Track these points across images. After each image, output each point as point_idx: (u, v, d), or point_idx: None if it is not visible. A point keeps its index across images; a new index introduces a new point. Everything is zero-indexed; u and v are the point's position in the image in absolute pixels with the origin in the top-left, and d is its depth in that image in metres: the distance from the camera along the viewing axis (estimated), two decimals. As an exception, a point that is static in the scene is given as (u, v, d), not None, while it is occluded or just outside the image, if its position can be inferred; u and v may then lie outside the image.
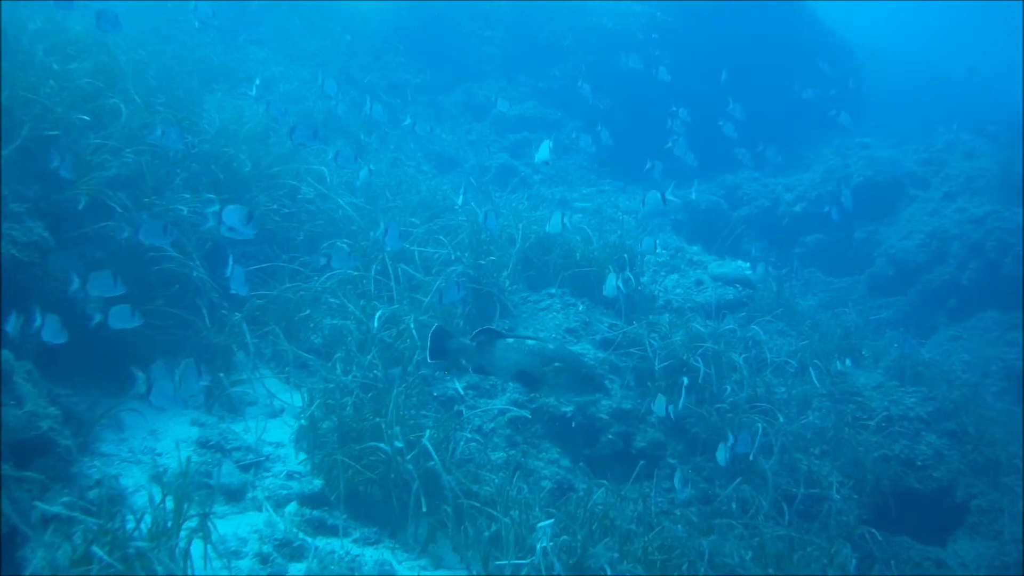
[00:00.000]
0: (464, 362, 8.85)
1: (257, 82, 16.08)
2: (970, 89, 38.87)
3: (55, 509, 7.32)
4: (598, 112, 23.58)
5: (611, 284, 12.78)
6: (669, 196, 13.21)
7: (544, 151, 16.15)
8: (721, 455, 10.97)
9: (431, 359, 8.99)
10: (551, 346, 8.54)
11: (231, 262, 11.05)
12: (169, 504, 7.88)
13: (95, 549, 6.78)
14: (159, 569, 6.74)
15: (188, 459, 8.90)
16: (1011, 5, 47.96)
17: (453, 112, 25.25)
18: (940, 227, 22.94)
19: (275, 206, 13.84)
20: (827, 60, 28.30)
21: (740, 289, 16.17)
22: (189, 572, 7.61)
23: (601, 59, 26.20)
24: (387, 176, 17.02)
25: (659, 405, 11.04)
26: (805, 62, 27.75)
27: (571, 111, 25.95)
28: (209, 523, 8.19)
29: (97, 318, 9.94)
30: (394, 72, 24.92)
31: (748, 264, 17.01)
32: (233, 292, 11.22)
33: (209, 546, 8.14)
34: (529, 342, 8.56)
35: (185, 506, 8.02)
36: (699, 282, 16.34)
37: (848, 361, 14.97)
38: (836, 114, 23.82)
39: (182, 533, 7.82)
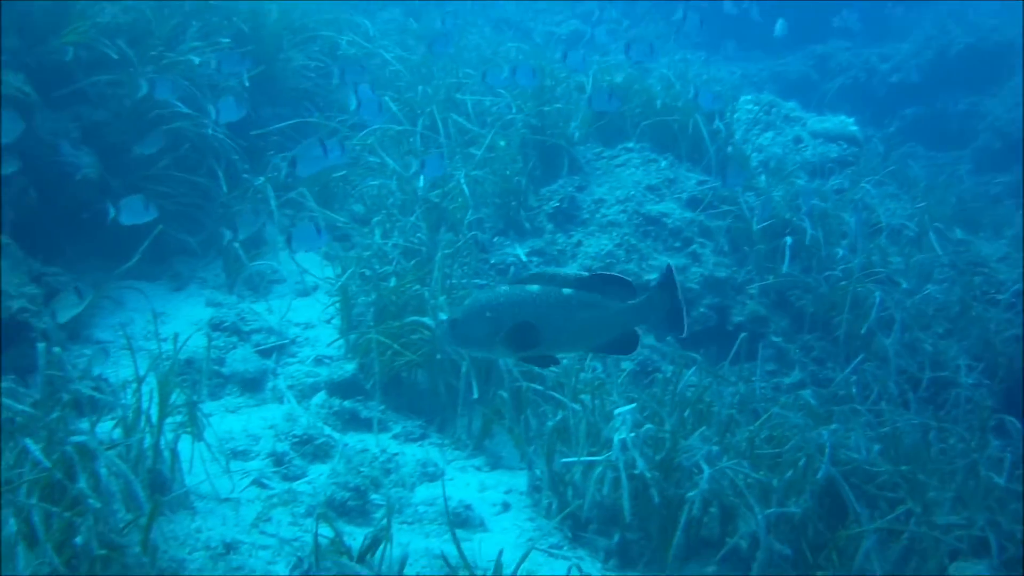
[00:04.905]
0: None
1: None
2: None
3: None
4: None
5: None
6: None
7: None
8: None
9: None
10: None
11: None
12: (147, 394, 6.31)
13: (29, 443, 5.22)
14: (103, 471, 5.10)
15: (176, 339, 7.27)
16: None
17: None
18: (1053, 97, 20.98)
19: (312, 63, 12.23)
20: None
21: (845, 147, 14.58)
22: (175, 475, 6.21)
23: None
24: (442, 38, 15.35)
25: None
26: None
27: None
28: (199, 415, 6.64)
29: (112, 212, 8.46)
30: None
31: (852, 119, 15.24)
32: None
33: (200, 444, 6.62)
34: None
35: (174, 396, 6.46)
36: (798, 139, 14.70)
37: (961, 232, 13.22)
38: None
39: (167, 429, 6.23)
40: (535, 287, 5.37)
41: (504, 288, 5.48)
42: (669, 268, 5.43)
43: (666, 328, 5.72)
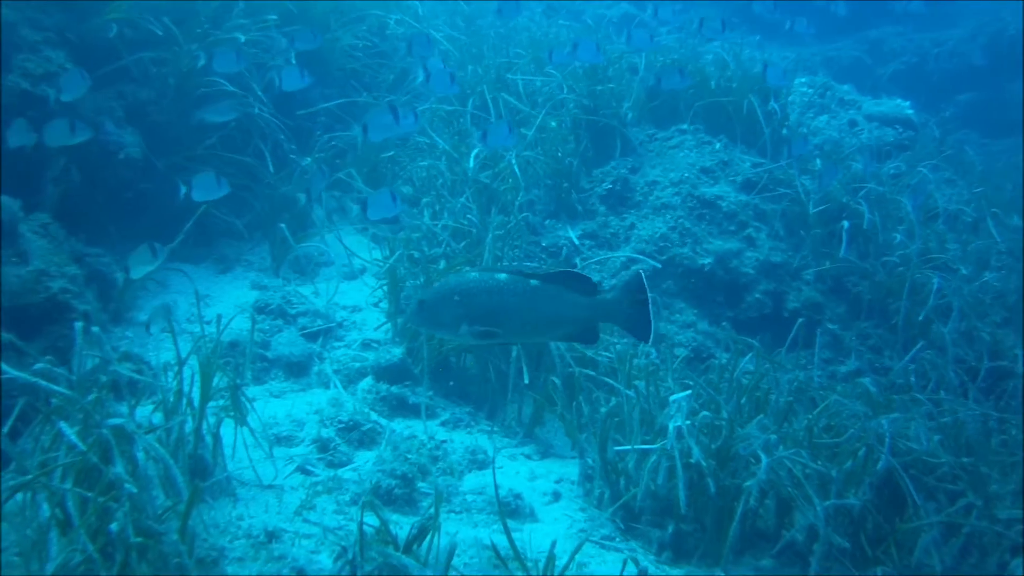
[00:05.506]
0: None
1: None
2: None
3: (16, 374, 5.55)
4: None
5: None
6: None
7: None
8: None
9: None
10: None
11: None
12: (189, 377, 6.17)
13: (63, 426, 5.09)
14: (140, 455, 4.94)
15: (219, 321, 7.14)
16: None
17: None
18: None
19: (360, 43, 12.08)
20: None
21: (901, 130, 14.42)
22: (217, 460, 6.13)
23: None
24: (494, 18, 15.18)
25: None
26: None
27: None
28: (243, 399, 6.49)
29: (184, 190, 8.49)
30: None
31: (908, 103, 15.02)
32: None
33: (243, 429, 6.46)
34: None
35: (217, 380, 6.31)
36: (853, 123, 14.52)
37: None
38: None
39: (209, 413, 6.12)
40: (503, 275, 5.55)
41: (474, 274, 5.63)
42: (638, 274, 5.62)
43: (631, 332, 5.73)
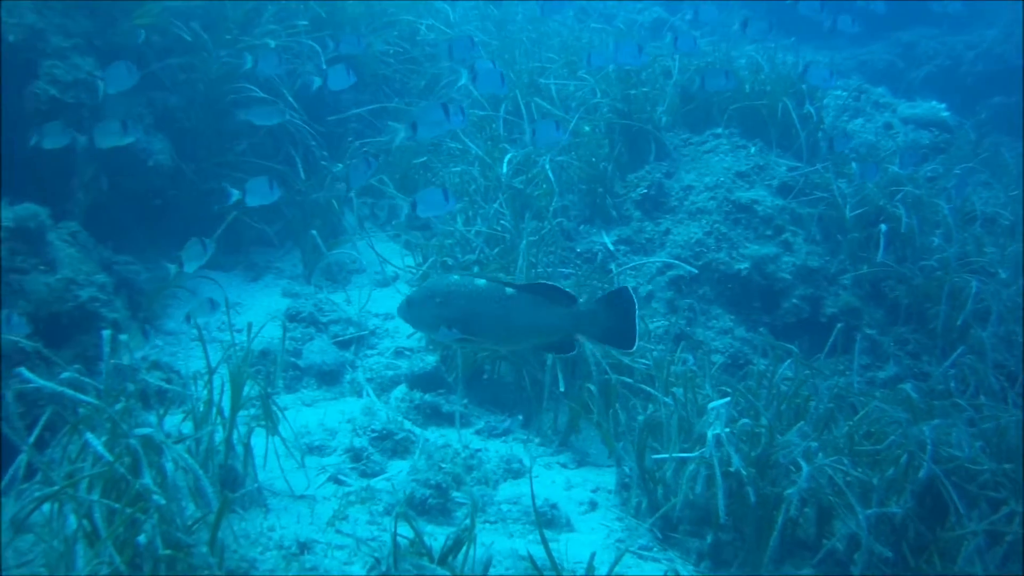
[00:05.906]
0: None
1: None
2: None
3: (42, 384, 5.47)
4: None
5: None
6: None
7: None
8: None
9: None
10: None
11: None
12: (219, 386, 6.09)
13: (90, 437, 5.00)
14: (169, 465, 4.87)
15: (250, 328, 7.05)
16: None
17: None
18: None
19: (391, 49, 12.03)
20: None
21: (936, 133, 14.34)
22: (248, 470, 6.04)
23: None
24: (525, 23, 15.12)
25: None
26: None
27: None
28: (274, 408, 6.39)
29: (235, 195, 8.36)
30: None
31: (944, 105, 14.90)
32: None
33: (275, 439, 6.38)
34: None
35: (248, 389, 6.24)
36: (888, 126, 14.40)
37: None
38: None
39: (240, 423, 6.04)
40: (482, 281, 5.79)
41: (455, 277, 5.85)
42: (624, 287, 5.91)
43: (610, 343, 5.98)
